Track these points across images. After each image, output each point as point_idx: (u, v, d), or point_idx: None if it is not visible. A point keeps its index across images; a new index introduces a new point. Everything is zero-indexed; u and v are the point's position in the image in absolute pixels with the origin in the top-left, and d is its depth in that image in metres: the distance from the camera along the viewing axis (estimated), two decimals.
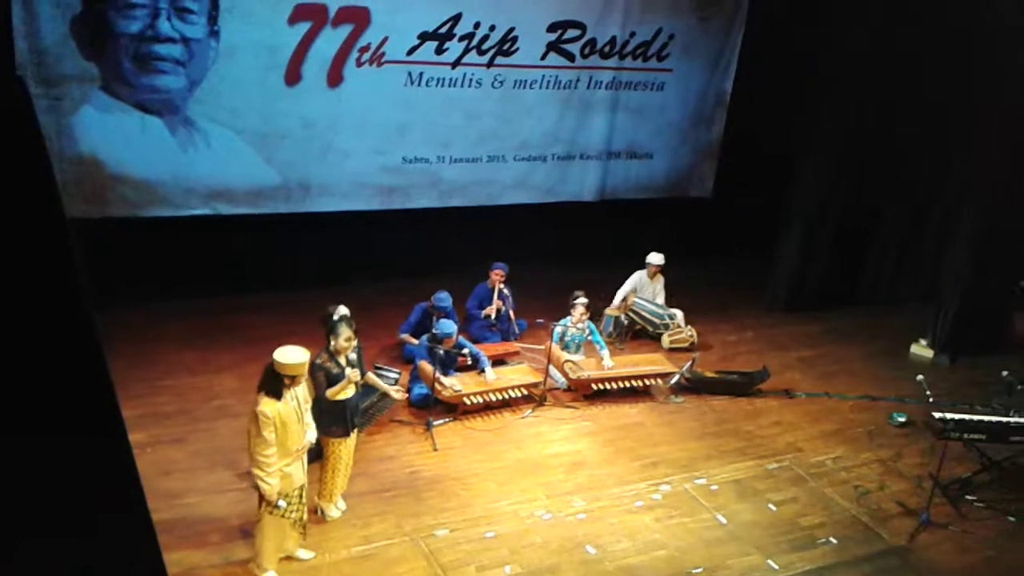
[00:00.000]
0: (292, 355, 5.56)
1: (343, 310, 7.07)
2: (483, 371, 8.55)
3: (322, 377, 6.25)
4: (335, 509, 6.68)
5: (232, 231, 10.21)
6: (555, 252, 12.03)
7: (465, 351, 8.59)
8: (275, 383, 5.52)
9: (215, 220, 10.09)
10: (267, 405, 5.48)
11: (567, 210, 12.40)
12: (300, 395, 5.73)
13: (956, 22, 10.81)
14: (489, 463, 7.69)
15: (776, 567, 6.63)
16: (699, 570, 6.51)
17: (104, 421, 2.28)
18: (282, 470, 5.62)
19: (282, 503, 5.67)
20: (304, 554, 6.16)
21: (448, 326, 8.32)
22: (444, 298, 9.17)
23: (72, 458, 2.23)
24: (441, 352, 8.22)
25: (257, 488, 5.62)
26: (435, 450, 7.79)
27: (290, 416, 5.60)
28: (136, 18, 8.96)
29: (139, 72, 9.16)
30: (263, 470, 5.53)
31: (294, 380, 5.56)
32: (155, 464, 7.08)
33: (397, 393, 7.69)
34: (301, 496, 5.87)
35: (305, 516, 5.99)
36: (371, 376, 6.78)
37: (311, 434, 5.88)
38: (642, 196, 12.98)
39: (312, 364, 6.07)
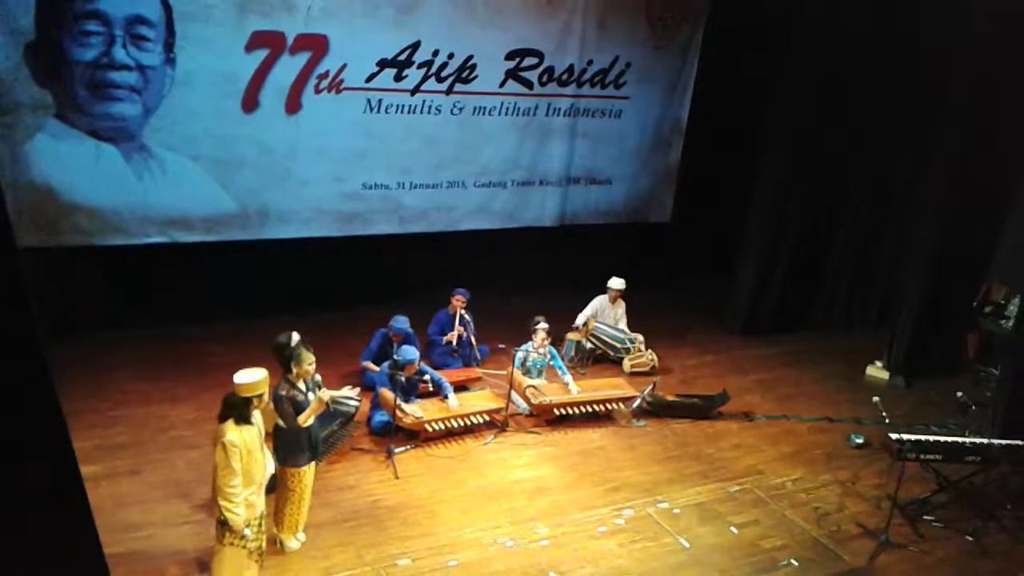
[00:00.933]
0: (253, 374, 5.52)
1: (295, 337, 7.00)
2: (446, 398, 8.51)
3: (289, 407, 6.18)
4: (295, 540, 6.57)
5: (189, 259, 10.09)
6: (516, 277, 12.04)
7: (427, 377, 8.55)
8: (242, 408, 5.45)
9: (172, 248, 9.96)
10: (234, 433, 5.41)
11: (527, 235, 12.43)
12: (259, 422, 5.67)
13: (905, 50, 11.11)
14: (452, 490, 7.64)
15: None
16: None
17: (54, 452, 2.23)
18: (247, 499, 5.54)
19: (248, 532, 5.59)
20: None
21: (410, 352, 8.28)
22: (402, 322, 9.13)
23: (20, 490, 2.18)
24: (402, 379, 8.17)
25: (222, 520, 5.52)
26: (397, 478, 7.72)
27: (254, 444, 5.54)
28: (91, 46, 8.86)
29: (94, 100, 9.06)
30: (230, 501, 5.44)
31: (260, 400, 5.52)
32: (110, 496, 6.93)
33: (352, 393, 7.53)
34: (261, 524, 5.79)
35: (264, 545, 5.90)
36: (330, 393, 6.65)
37: (270, 465, 5.84)
38: (602, 221, 13.06)
39: (275, 396, 6.01)
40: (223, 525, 5.57)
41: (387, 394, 8.18)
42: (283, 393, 6.15)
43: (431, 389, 8.64)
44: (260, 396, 5.57)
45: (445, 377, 8.77)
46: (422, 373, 8.51)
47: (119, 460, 7.54)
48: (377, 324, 9.45)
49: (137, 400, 8.62)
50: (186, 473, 7.43)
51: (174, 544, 6.49)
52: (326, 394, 6.30)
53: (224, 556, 5.68)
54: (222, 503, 5.48)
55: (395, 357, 8.36)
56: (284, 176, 10.39)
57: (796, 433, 9.35)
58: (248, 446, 5.47)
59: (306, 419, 6.21)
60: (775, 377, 10.79)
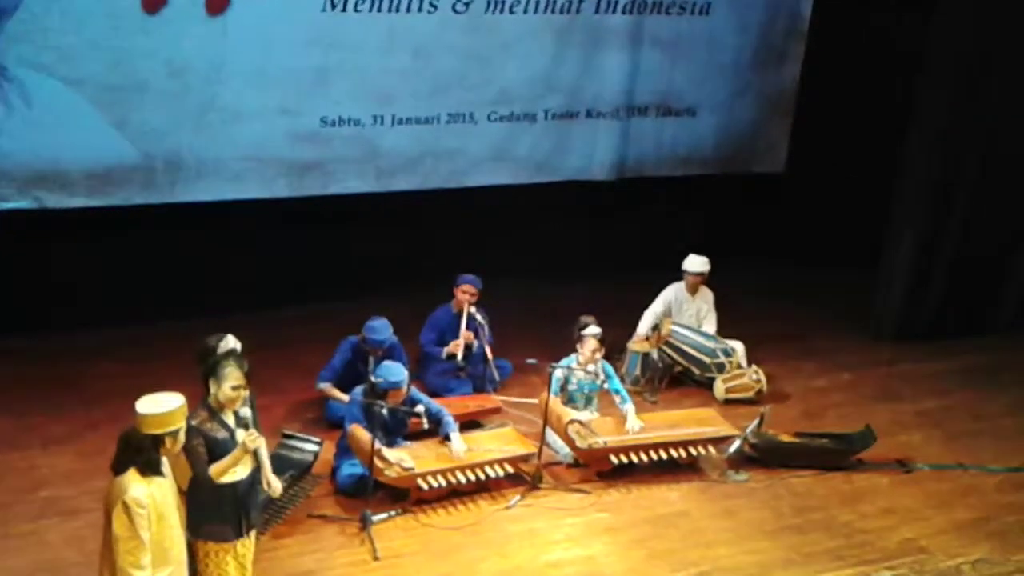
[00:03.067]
0: (163, 401, 5.52)
1: (231, 342, 7.01)
2: (447, 439, 8.52)
3: (200, 447, 6.17)
4: None
5: (65, 235, 10.14)
6: (551, 258, 12.04)
7: (419, 409, 8.57)
8: (147, 451, 5.47)
9: (41, 218, 10.01)
10: (139, 487, 5.44)
11: (568, 195, 12.43)
12: (170, 473, 5.70)
13: None
14: None
15: None
16: None
17: None
18: None
19: None
20: None
21: (394, 371, 8.30)
22: (380, 328, 9.14)
23: None
24: (384, 411, 8.18)
25: None
26: (376, 559, 7.72)
27: (168, 503, 5.55)
28: None
29: None
30: None
31: (175, 440, 5.52)
32: None
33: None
34: None
35: None
36: (259, 440, 6.56)
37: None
38: (680, 172, 13.03)
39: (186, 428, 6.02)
40: None
41: (361, 434, 8.21)
42: (194, 423, 6.12)
43: (426, 426, 8.66)
44: (174, 434, 5.56)
45: (447, 408, 8.78)
46: (413, 402, 8.52)
47: None
48: (345, 330, 9.46)
49: None
50: (63, 552, 7.42)
51: None
52: (253, 439, 6.24)
53: None
54: None
55: (372, 378, 8.37)
56: (204, 108, 10.43)
57: (978, 491, 9.27)
58: (159, 507, 5.48)
59: (221, 472, 6.19)
60: (945, 406, 10.71)
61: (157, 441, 5.50)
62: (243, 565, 6.45)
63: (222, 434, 6.19)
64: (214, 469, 6.12)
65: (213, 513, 6.22)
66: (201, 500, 6.19)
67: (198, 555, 6.30)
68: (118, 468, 5.52)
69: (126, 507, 5.39)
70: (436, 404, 8.73)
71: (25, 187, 9.90)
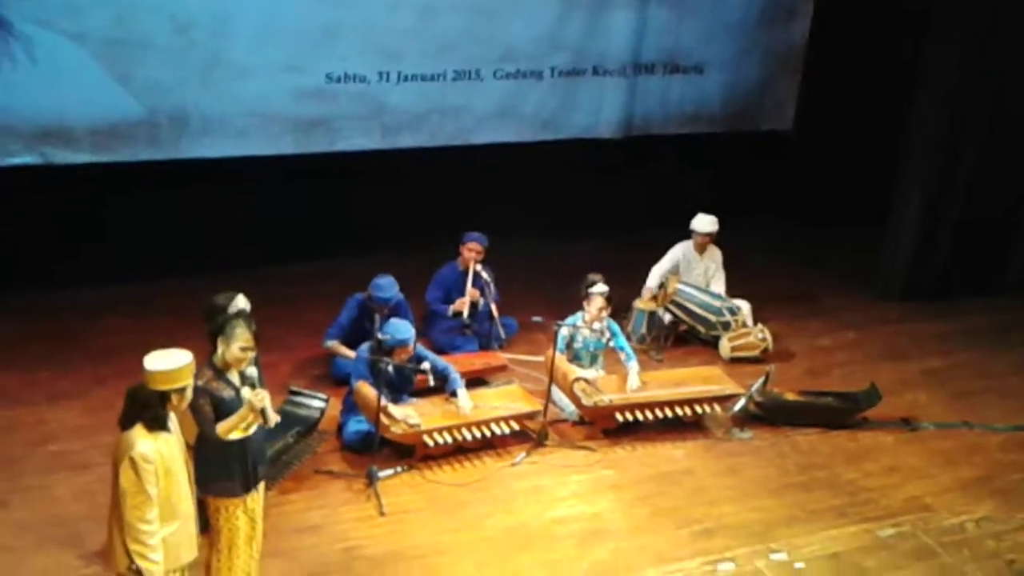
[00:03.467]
0: (172, 359, 5.54)
1: (241, 302, 7.01)
2: (454, 396, 8.56)
3: (206, 405, 6.20)
4: None
5: (71, 190, 10.14)
6: (557, 216, 12.02)
7: (425, 366, 8.59)
8: (154, 407, 5.49)
9: (47, 174, 10.02)
10: (146, 442, 5.46)
11: (575, 152, 12.39)
12: (177, 429, 5.72)
13: None
14: (464, 533, 7.69)
15: None
16: None
17: None
18: (165, 540, 5.61)
19: None
20: None
21: (400, 329, 8.32)
22: (386, 285, 9.15)
23: None
24: (390, 368, 8.21)
25: (134, 572, 5.59)
26: (382, 515, 7.79)
27: (175, 458, 5.58)
28: None
29: None
30: (143, 543, 5.51)
31: (182, 397, 5.54)
32: None
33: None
34: None
35: None
36: (267, 398, 6.57)
37: None
38: (688, 130, 12.99)
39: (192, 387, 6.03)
40: None
41: (367, 391, 8.24)
42: (200, 383, 6.14)
43: (432, 383, 8.69)
44: (181, 391, 5.57)
45: (453, 365, 8.81)
46: (419, 359, 8.55)
47: None
48: (351, 287, 9.48)
49: (0, 400, 8.71)
50: (72, 506, 7.49)
51: None
52: (259, 397, 6.25)
53: None
54: (132, 547, 5.54)
55: (378, 335, 8.40)
56: (210, 64, 10.40)
57: (983, 449, 9.31)
58: (166, 463, 5.51)
59: (228, 431, 6.22)
60: (951, 365, 10.74)
61: (164, 397, 5.52)
62: (253, 519, 6.50)
63: (228, 393, 6.21)
64: (221, 427, 6.14)
65: (221, 469, 6.25)
66: (209, 456, 6.21)
67: (209, 509, 6.35)
68: (125, 423, 5.54)
69: (133, 463, 5.41)
70: (442, 361, 8.76)
71: (31, 143, 9.90)
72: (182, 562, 5.76)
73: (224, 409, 6.16)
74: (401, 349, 8.27)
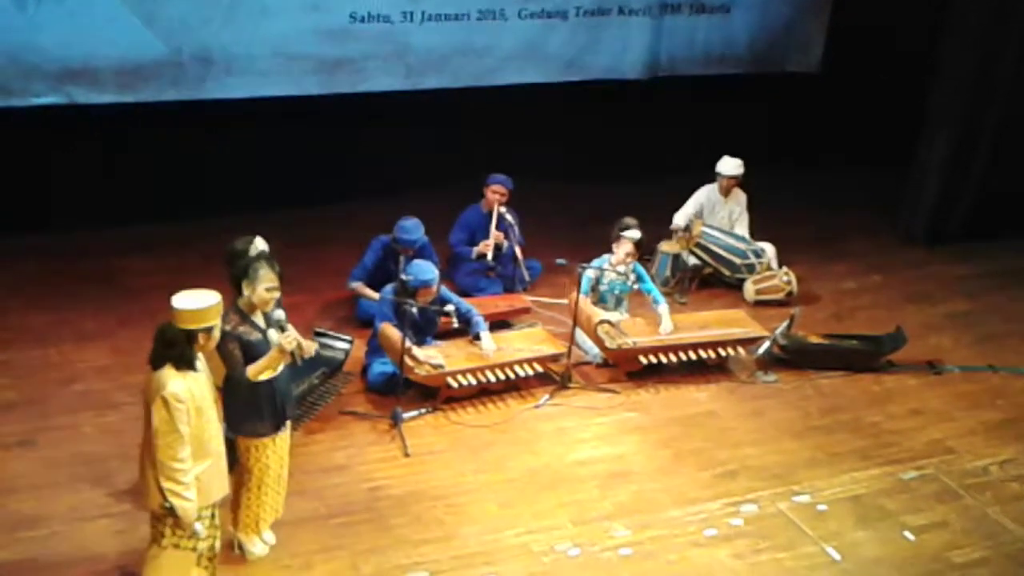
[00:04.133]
0: (200, 298, 5.58)
1: (260, 244, 7.03)
2: (477, 338, 8.59)
3: (235, 349, 6.25)
4: (260, 543, 6.75)
5: (95, 131, 10.16)
6: (580, 159, 11.99)
7: (449, 308, 8.61)
8: (181, 346, 5.53)
9: (71, 114, 10.03)
10: (177, 382, 5.51)
11: (600, 93, 12.33)
12: (206, 368, 5.77)
13: None
14: (487, 475, 7.75)
15: None
16: None
17: None
18: (198, 478, 5.70)
19: (200, 527, 5.73)
20: None
21: (424, 270, 8.34)
22: (411, 227, 9.16)
23: None
24: (414, 310, 8.24)
25: (167, 509, 5.66)
26: (407, 456, 7.85)
27: (205, 397, 5.65)
28: None
29: None
30: (177, 481, 5.58)
31: (209, 337, 5.59)
32: None
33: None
34: (214, 516, 5.94)
35: (218, 546, 6.06)
36: (296, 337, 6.63)
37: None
38: (714, 71, 12.89)
39: (220, 332, 6.07)
40: (165, 517, 5.72)
41: (391, 333, 8.27)
42: (228, 328, 6.19)
43: (456, 325, 8.72)
44: (208, 330, 5.61)
45: (477, 308, 8.83)
46: (443, 301, 8.57)
47: (4, 426, 7.72)
48: (375, 229, 9.48)
49: (27, 340, 8.79)
50: (100, 445, 7.58)
51: (86, 546, 6.66)
52: (289, 339, 6.29)
53: (164, 562, 5.83)
54: (166, 485, 5.61)
55: (402, 277, 8.42)
56: (234, 4, 10.38)
57: (1006, 393, 9.31)
58: (197, 401, 5.57)
59: (258, 373, 6.28)
60: (976, 308, 10.72)
61: (191, 336, 5.56)
62: (282, 457, 6.59)
63: (256, 336, 6.26)
64: (251, 370, 6.21)
65: (251, 411, 6.32)
66: (239, 398, 6.28)
67: (239, 449, 6.42)
68: (155, 363, 5.59)
69: (165, 402, 5.47)
70: (466, 304, 8.78)
71: (56, 83, 9.92)
72: (213, 499, 5.84)
73: (252, 352, 6.22)
74: (425, 290, 8.30)
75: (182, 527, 5.71)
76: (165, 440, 5.51)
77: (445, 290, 8.71)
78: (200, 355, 5.72)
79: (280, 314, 6.40)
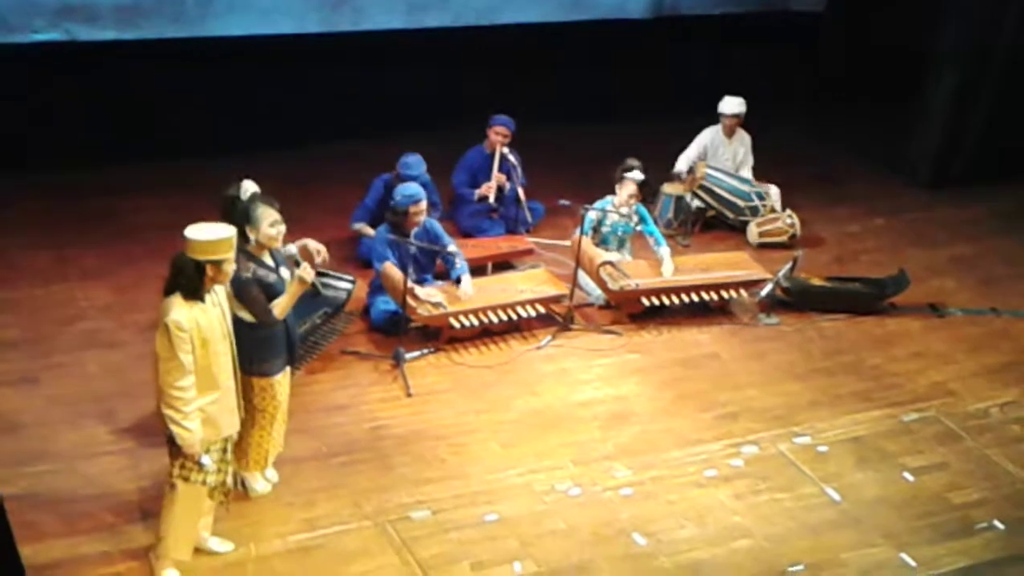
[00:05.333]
0: (212, 231, 5.56)
1: (249, 185, 7.03)
2: (458, 281, 8.52)
3: (257, 292, 6.27)
4: (263, 481, 6.80)
5: (95, 68, 10.12)
6: (583, 99, 11.94)
7: (452, 248, 8.58)
8: (189, 275, 5.54)
9: (69, 51, 9.98)
10: (181, 311, 5.53)
11: (604, 33, 12.27)
12: (224, 303, 5.74)
13: None
14: (489, 415, 7.79)
15: (914, 564, 6.74)
16: (799, 567, 6.63)
17: None
18: (204, 410, 5.74)
19: (207, 460, 5.78)
20: (219, 545, 6.29)
21: (406, 188, 8.29)
22: (414, 164, 9.12)
23: None
24: (412, 247, 8.24)
25: (170, 440, 5.72)
26: (409, 395, 7.88)
27: (214, 331, 5.65)
28: None
29: None
30: (177, 409, 5.61)
31: (219, 270, 5.58)
32: None
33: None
34: (226, 451, 5.98)
35: (230, 482, 6.11)
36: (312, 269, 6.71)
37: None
38: (717, 10, 12.83)
39: (236, 282, 6.07)
40: (175, 451, 5.78)
41: (393, 272, 8.26)
42: (247, 275, 6.22)
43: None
44: (217, 264, 5.59)
45: (479, 249, 8.81)
46: (434, 237, 8.55)
47: (7, 363, 7.76)
48: (377, 169, 9.48)
49: (30, 277, 8.82)
50: (103, 382, 7.62)
51: (90, 482, 6.73)
52: (308, 271, 6.38)
53: (175, 496, 5.88)
54: (166, 412, 5.64)
55: (391, 204, 8.35)
56: None
57: (1009, 336, 9.32)
58: (203, 333, 5.59)
59: (284, 310, 6.33)
60: (980, 251, 10.72)
61: (200, 267, 5.56)
62: (287, 391, 6.67)
63: (272, 277, 6.33)
64: (277, 308, 6.27)
65: (267, 350, 6.36)
66: (255, 339, 6.27)
67: (253, 390, 6.42)
68: (166, 289, 5.62)
69: (167, 329, 5.49)
70: (451, 242, 8.68)
71: (55, 19, 9.89)
72: (223, 434, 5.88)
73: (271, 292, 6.30)
74: (414, 208, 8.21)
75: (189, 459, 5.76)
76: (165, 366, 5.54)
77: (432, 222, 8.60)
78: (217, 289, 5.72)
79: (291, 248, 6.54)
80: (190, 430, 5.62)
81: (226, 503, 6.16)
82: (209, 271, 5.55)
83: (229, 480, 6.07)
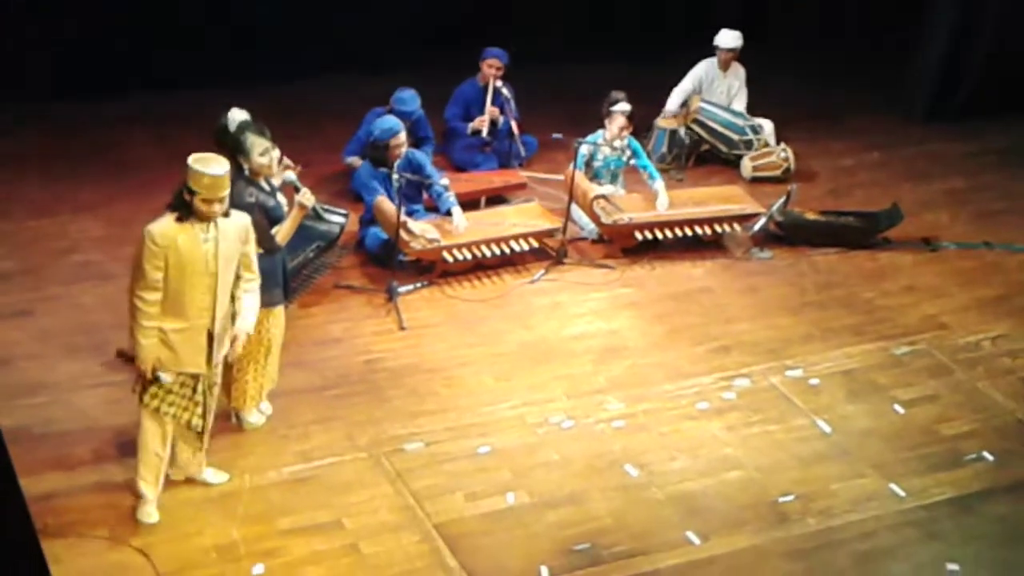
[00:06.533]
0: (207, 163, 5.53)
1: (237, 115, 7.02)
2: (449, 214, 8.51)
3: (260, 217, 6.26)
4: (257, 414, 6.85)
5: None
6: (577, 32, 11.87)
7: (445, 181, 8.57)
8: (180, 197, 5.52)
9: None
10: (163, 226, 5.52)
11: None
12: (223, 244, 5.68)
13: None
14: (482, 348, 7.82)
15: (903, 494, 6.78)
16: (789, 498, 6.67)
17: None
18: (167, 335, 5.71)
19: (164, 376, 5.76)
20: (214, 476, 6.34)
21: (384, 120, 8.29)
22: (409, 99, 9.10)
23: None
24: (400, 180, 8.22)
25: (133, 358, 5.78)
26: (402, 329, 7.92)
27: (195, 262, 5.62)
28: None
29: None
30: (137, 320, 5.65)
31: (208, 205, 5.53)
32: None
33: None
34: (196, 390, 5.92)
35: (202, 423, 6.04)
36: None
37: (244, 322, 5.93)
38: None
39: (239, 207, 6.03)
40: (138, 374, 5.80)
41: (386, 207, 8.26)
42: (252, 200, 6.22)
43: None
44: (206, 199, 5.55)
45: (472, 182, 8.81)
46: (417, 167, 8.49)
47: (1, 297, 7.79)
48: (369, 103, 9.43)
49: (24, 210, 8.84)
50: (97, 314, 7.66)
51: (84, 414, 6.78)
52: (308, 196, 6.40)
53: (144, 420, 5.91)
54: (130, 322, 5.69)
55: (370, 139, 8.34)
56: None
57: (1002, 269, 9.35)
58: (181, 256, 5.57)
59: (286, 236, 6.37)
60: (973, 186, 10.70)
61: (188, 194, 5.55)
62: (282, 323, 6.76)
63: (272, 201, 6.39)
64: (280, 234, 6.32)
65: (270, 279, 6.33)
66: (260, 269, 6.26)
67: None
68: (168, 206, 5.64)
69: (144, 235, 5.54)
70: (439, 177, 8.67)
71: None
72: (184, 367, 5.80)
73: (272, 216, 6.37)
74: (394, 141, 8.20)
75: (143, 377, 5.77)
76: (134, 273, 5.62)
77: (415, 153, 8.58)
78: (223, 228, 5.67)
79: (290, 175, 6.59)
80: (142, 344, 5.65)
81: (199, 445, 6.17)
82: (196, 202, 5.52)
83: (197, 422, 5.99)
